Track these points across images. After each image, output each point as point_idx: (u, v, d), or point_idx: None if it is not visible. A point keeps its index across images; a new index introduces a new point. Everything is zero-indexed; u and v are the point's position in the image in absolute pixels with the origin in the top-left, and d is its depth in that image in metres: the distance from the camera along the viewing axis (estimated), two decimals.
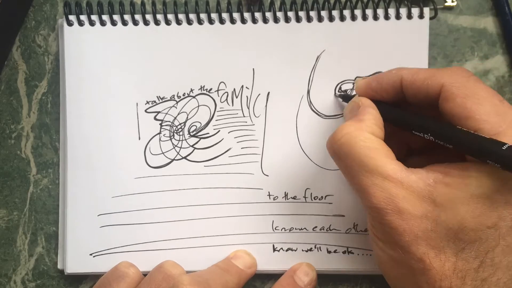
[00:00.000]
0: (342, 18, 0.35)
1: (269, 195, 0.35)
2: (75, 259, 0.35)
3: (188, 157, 0.35)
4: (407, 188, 0.25)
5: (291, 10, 0.35)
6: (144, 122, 0.35)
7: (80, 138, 0.35)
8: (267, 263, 0.35)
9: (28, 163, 0.37)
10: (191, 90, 0.35)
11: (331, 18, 0.35)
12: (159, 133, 0.35)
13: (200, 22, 0.35)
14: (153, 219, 0.35)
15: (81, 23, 0.35)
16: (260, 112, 0.35)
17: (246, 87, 0.35)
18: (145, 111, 0.35)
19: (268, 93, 0.35)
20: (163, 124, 0.35)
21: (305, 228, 0.35)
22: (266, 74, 0.35)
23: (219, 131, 0.35)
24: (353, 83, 0.35)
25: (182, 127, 0.35)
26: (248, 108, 0.35)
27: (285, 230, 0.35)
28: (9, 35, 0.36)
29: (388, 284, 0.29)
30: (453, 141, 0.26)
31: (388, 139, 0.28)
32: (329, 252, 0.35)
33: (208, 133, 0.35)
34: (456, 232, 0.25)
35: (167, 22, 0.35)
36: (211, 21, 0.35)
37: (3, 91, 0.37)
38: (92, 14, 0.35)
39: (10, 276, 0.36)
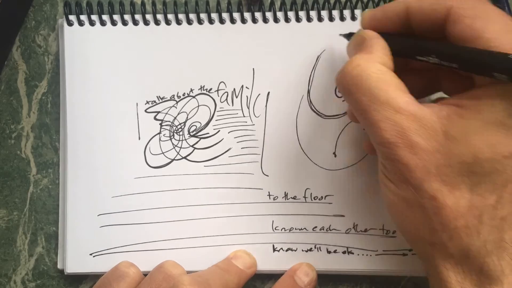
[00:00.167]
0: (342, 18, 0.35)
1: (269, 195, 0.35)
2: (75, 259, 0.35)
3: (188, 157, 0.35)
4: (420, 121, 0.24)
5: (291, 10, 0.35)
6: (144, 122, 0.35)
7: (80, 138, 0.35)
8: (267, 263, 0.35)
9: (28, 163, 0.37)
10: (191, 90, 0.35)
11: (331, 18, 0.35)
12: (159, 133, 0.35)
13: (200, 22, 0.35)
14: (153, 219, 0.35)
15: (81, 23, 0.35)
16: (260, 112, 0.35)
17: (246, 87, 0.35)
18: (145, 111, 0.35)
19: (268, 93, 0.35)
20: (163, 124, 0.35)
21: (305, 228, 0.35)
22: (266, 74, 0.35)
23: (219, 131, 0.35)
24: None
25: (182, 127, 0.35)
26: (248, 108, 0.35)
27: (285, 230, 0.35)
28: (9, 35, 0.36)
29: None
30: (457, 59, 0.25)
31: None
32: (329, 252, 0.35)
33: (208, 133, 0.35)
34: (471, 165, 0.24)
35: (167, 22, 0.35)
36: (211, 21, 0.35)
37: (3, 91, 0.37)
38: (92, 14, 0.35)
39: (10, 276, 0.36)
